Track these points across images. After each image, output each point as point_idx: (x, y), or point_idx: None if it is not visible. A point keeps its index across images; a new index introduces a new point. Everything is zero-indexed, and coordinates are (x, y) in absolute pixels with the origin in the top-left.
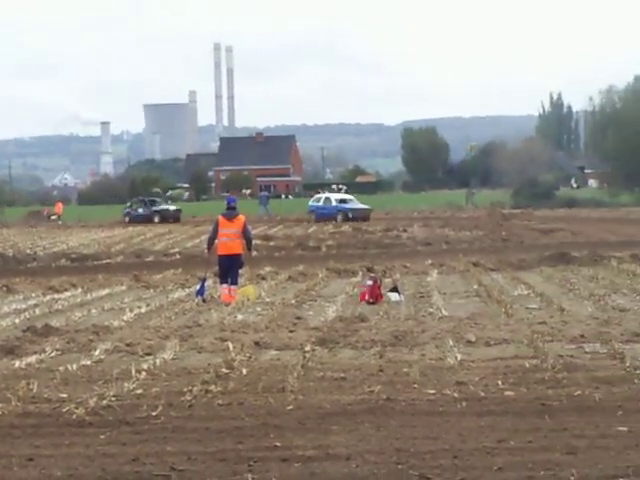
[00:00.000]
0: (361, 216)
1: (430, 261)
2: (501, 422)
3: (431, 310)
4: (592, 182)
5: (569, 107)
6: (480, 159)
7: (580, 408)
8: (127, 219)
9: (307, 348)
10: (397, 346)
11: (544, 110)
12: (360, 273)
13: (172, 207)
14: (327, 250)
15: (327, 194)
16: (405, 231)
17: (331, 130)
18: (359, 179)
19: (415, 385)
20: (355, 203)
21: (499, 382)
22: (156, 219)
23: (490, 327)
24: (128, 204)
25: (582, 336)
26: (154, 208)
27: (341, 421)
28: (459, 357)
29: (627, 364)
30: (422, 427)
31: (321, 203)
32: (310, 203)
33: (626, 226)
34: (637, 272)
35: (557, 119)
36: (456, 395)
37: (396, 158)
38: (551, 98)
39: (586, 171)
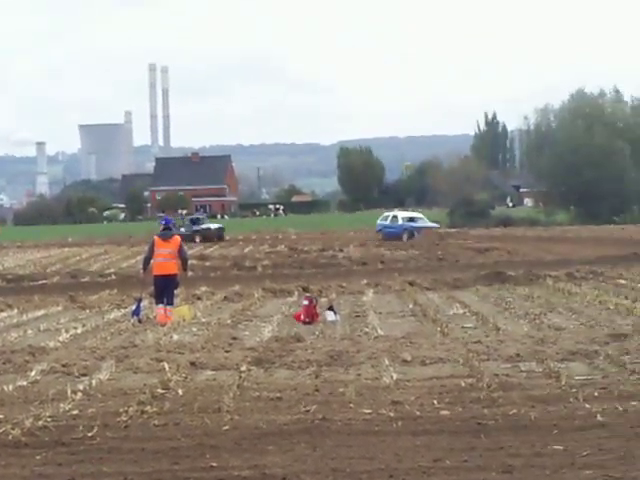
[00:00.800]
0: (431, 235)
1: (366, 281)
2: (437, 441)
3: (367, 330)
4: (528, 201)
5: (504, 126)
6: (416, 178)
7: (516, 427)
8: None
9: (243, 368)
10: (333, 366)
11: (479, 129)
12: (296, 293)
13: (214, 226)
14: (263, 270)
15: (395, 212)
16: (341, 251)
17: (267, 150)
18: (295, 199)
19: (351, 405)
20: (424, 221)
21: (435, 401)
22: (197, 239)
23: (426, 346)
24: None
25: (518, 355)
26: (195, 227)
27: (277, 441)
28: (395, 376)
29: (562, 383)
30: (358, 447)
31: (388, 222)
32: (378, 222)
33: (561, 245)
34: (572, 291)
35: (492, 138)
36: (392, 414)
37: (332, 178)
38: (486, 117)
39: (521, 190)
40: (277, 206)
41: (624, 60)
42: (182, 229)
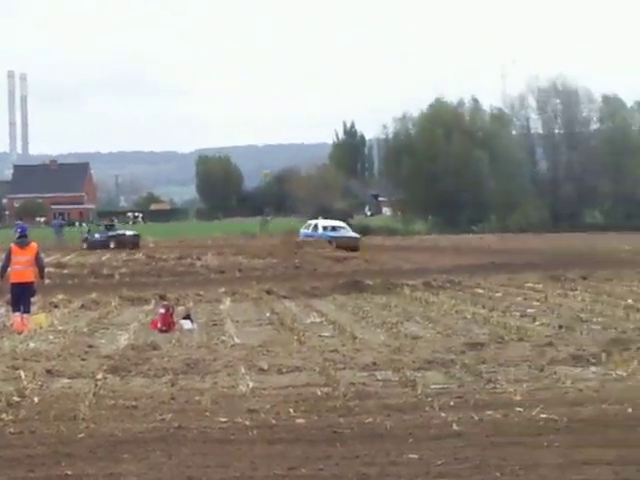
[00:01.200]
0: (348, 245)
1: (223, 289)
2: (292, 450)
3: (224, 338)
4: (386, 210)
5: (362, 135)
6: (274, 187)
7: (371, 436)
8: (85, 245)
9: (99, 376)
10: (189, 374)
11: (338, 138)
12: (153, 301)
13: (129, 232)
14: (120, 278)
15: (317, 221)
16: (199, 259)
17: (125, 157)
18: (153, 207)
19: (207, 413)
20: (346, 231)
21: (291, 410)
22: (112, 245)
23: (282, 355)
24: (87, 230)
25: (374, 364)
26: (110, 233)
27: (132, 449)
28: (251, 385)
29: (418, 392)
30: (214, 455)
31: (310, 230)
32: (301, 230)
33: (419, 254)
34: (430, 300)
35: (351, 147)
36: (248, 423)
37: (190, 186)
38: (344, 126)
39: (380, 199)
40: (136, 214)
41: (481, 70)
42: (97, 235)
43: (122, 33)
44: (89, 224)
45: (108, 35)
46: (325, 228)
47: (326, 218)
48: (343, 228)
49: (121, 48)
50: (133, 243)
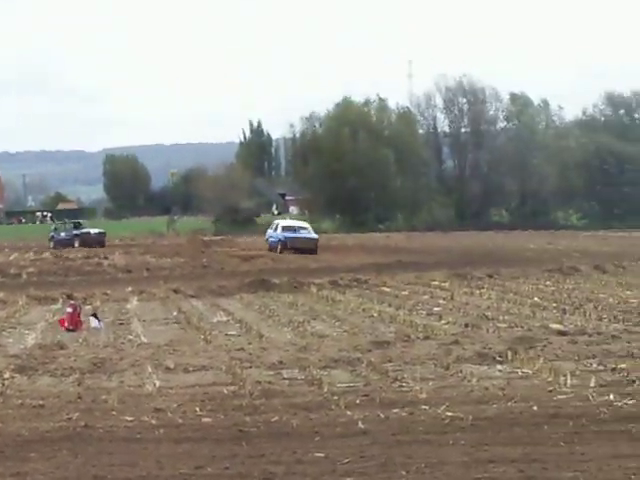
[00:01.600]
0: (304, 247)
1: (130, 288)
2: (199, 449)
3: (131, 337)
4: (293, 209)
5: (269, 135)
6: (182, 186)
7: (277, 434)
8: (51, 244)
9: (6, 375)
10: (96, 373)
11: (245, 137)
12: (60, 300)
13: (94, 230)
14: (28, 277)
15: (280, 220)
16: (106, 258)
17: (32, 157)
18: (61, 206)
19: (113, 412)
20: (307, 232)
21: (197, 409)
22: (76, 243)
23: (189, 354)
24: (53, 227)
25: (281, 362)
26: (75, 232)
27: (39, 448)
28: (158, 384)
29: (324, 390)
30: (120, 454)
31: (272, 230)
32: (268, 230)
33: (326, 253)
34: (336, 298)
35: (258, 146)
36: (154, 422)
37: (98, 185)
38: (251, 125)
39: (287, 198)
40: (45, 213)
41: (388, 70)
42: (62, 234)
43: (27, 34)
44: (57, 222)
45: (14, 35)
46: (285, 228)
47: (235, 218)
48: (304, 229)
49: (25, 47)
50: (98, 241)
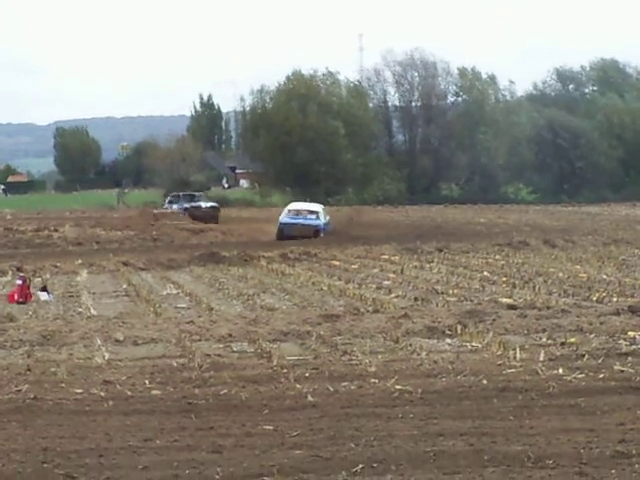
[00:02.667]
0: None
1: (80, 261)
2: (147, 421)
3: (80, 310)
4: (243, 182)
5: (219, 108)
6: (132, 159)
7: (226, 407)
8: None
9: None
10: (45, 345)
11: (196, 110)
12: (10, 273)
13: (207, 204)
14: None
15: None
16: (56, 231)
17: None
18: (10, 179)
19: (62, 384)
20: (313, 218)
21: (146, 381)
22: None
23: (139, 326)
24: (168, 199)
25: (230, 335)
26: (186, 205)
27: None
28: (107, 356)
29: (274, 363)
30: (68, 426)
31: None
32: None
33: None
34: (286, 272)
35: (209, 120)
36: (103, 394)
37: (48, 158)
38: (201, 98)
39: (237, 171)
40: None
41: (338, 43)
42: (174, 206)
43: None
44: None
45: None
46: (289, 212)
47: (185, 191)
48: (313, 213)
49: None
50: (212, 216)
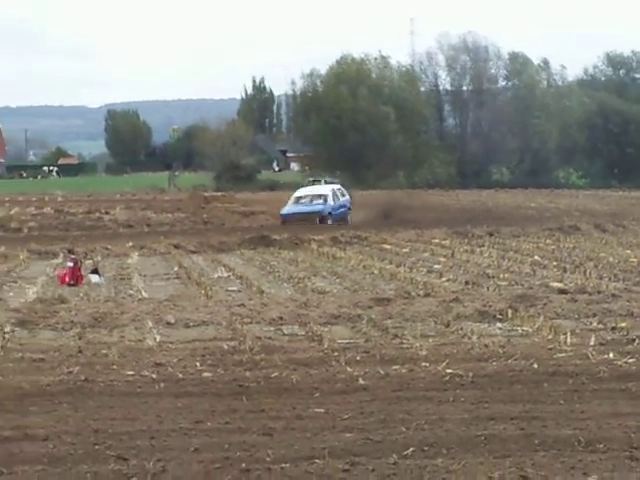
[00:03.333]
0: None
1: (131, 243)
2: (198, 403)
3: (131, 292)
4: (294, 165)
5: (271, 91)
6: (183, 142)
7: (277, 390)
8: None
9: (7, 329)
10: (96, 327)
11: (246, 94)
12: (61, 255)
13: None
14: (29, 231)
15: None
16: (107, 213)
17: (34, 112)
18: (62, 161)
19: (114, 366)
20: (319, 203)
21: (197, 363)
22: None
23: (190, 309)
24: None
25: (281, 318)
26: None
27: (39, 402)
28: (158, 338)
29: (325, 346)
30: (120, 408)
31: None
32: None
33: None
34: (337, 255)
35: (259, 103)
36: (154, 376)
37: (99, 141)
38: (253, 82)
39: (288, 154)
40: (50, 168)
41: (390, 27)
42: None
43: None
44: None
45: None
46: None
47: (236, 174)
48: (319, 197)
49: (23, 6)
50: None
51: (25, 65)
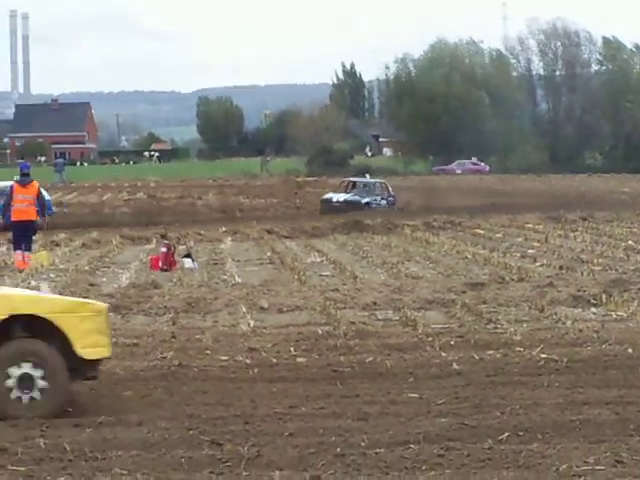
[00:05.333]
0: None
1: (224, 228)
2: (293, 388)
3: (224, 277)
4: (387, 150)
5: (361, 76)
6: (275, 127)
7: (372, 375)
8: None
9: None
10: (190, 313)
11: (338, 79)
12: (154, 240)
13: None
14: (121, 217)
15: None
16: (200, 199)
17: (126, 97)
18: (154, 147)
19: (208, 351)
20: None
21: (291, 349)
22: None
23: (283, 294)
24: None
25: (375, 303)
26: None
27: (134, 387)
28: (252, 324)
29: (419, 331)
30: (214, 393)
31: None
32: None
33: (419, 195)
34: (430, 240)
35: (351, 88)
36: (248, 361)
37: (191, 126)
38: (344, 67)
39: (381, 139)
40: (152, 153)
41: (482, 11)
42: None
43: None
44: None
45: None
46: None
47: (328, 159)
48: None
49: None
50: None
51: (117, 51)
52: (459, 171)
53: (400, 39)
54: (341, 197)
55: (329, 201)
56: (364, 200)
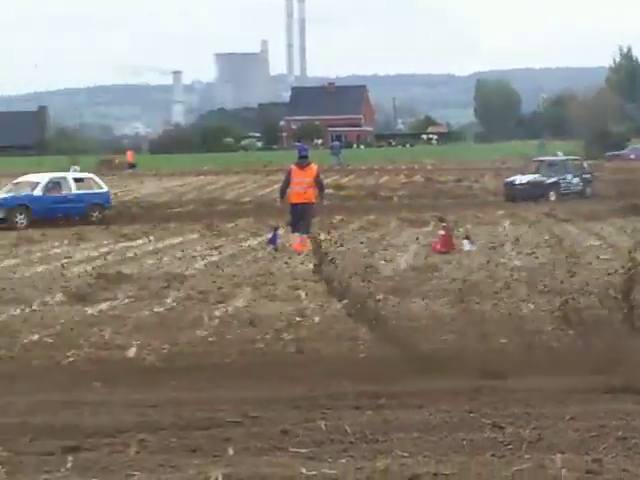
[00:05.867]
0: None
1: (502, 211)
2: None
3: (503, 260)
4: None
5: (636, 60)
6: (551, 110)
7: None
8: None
9: (379, 297)
10: (468, 296)
11: (615, 62)
12: (431, 223)
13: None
14: (399, 200)
15: None
16: (477, 181)
17: (402, 80)
18: (430, 130)
19: (486, 335)
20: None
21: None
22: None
23: (560, 278)
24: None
25: None
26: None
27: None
28: (532, 307)
29: None
30: (493, 375)
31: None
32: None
33: None
34: None
35: (628, 72)
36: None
37: (467, 109)
38: (620, 50)
39: None
40: (430, 136)
41: None
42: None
43: None
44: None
45: None
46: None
47: (605, 143)
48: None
49: None
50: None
51: (393, 34)
52: (633, 156)
53: None
54: (524, 179)
55: (512, 184)
56: (549, 180)
